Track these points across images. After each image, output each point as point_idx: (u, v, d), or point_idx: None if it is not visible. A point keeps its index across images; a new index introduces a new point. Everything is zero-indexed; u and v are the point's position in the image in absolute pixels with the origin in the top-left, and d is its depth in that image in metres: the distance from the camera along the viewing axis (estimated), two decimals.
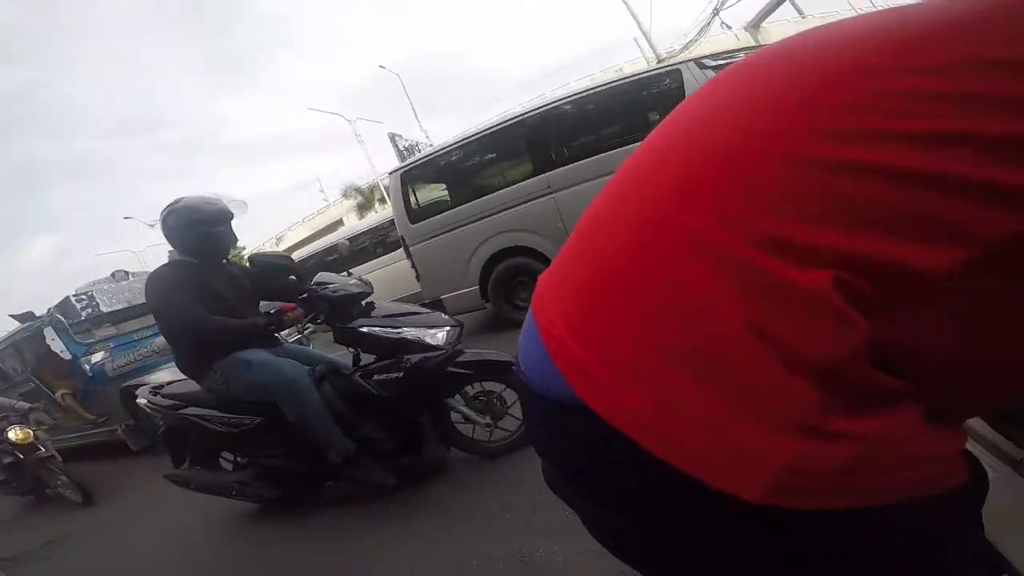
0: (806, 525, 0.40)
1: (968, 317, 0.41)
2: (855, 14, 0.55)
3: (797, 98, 0.45)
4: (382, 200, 28.23)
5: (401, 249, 5.24)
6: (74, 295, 5.58)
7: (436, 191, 5.42)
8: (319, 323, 2.45)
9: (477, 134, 4.92)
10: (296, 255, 7.55)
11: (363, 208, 29.69)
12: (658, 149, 0.54)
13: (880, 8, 0.52)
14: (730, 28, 18.68)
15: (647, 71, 4.70)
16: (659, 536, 0.48)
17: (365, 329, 2.35)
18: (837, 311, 0.39)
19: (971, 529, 0.49)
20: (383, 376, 2.30)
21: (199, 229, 2.38)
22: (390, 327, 2.37)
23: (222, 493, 2.69)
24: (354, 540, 2.24)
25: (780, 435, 0.39)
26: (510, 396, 2.41)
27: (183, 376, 4.81)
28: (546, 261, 4.20)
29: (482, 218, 4.68)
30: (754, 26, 19.18)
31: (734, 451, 0.40)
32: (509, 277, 4.67)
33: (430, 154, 5.24)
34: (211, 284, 2.38)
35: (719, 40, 17.35)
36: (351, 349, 2.46)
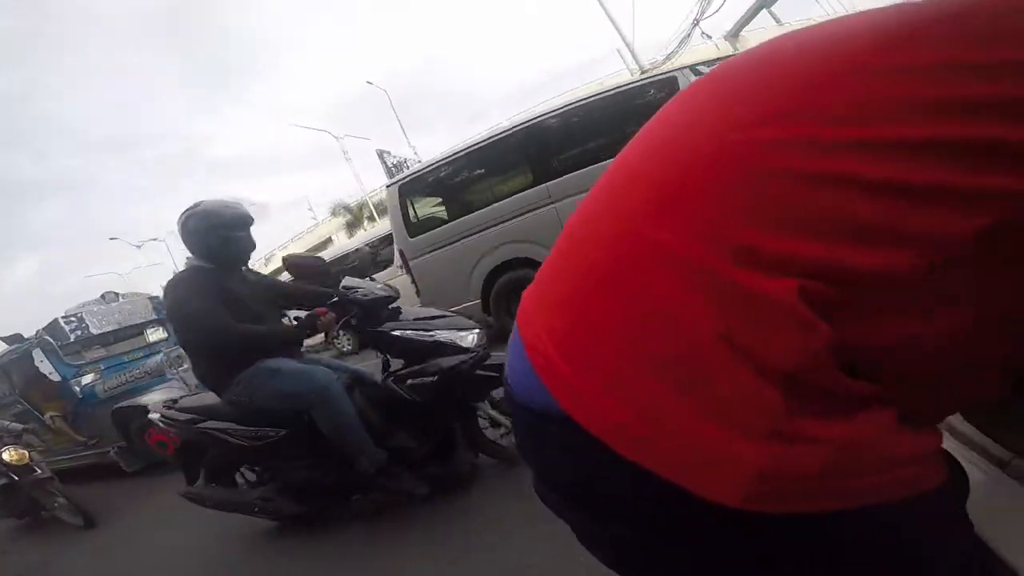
0: (785, 529, 0.41)
1: (933, 319, 0.42)
2: (832, 18, 0.58)
3: (763, 110, 0.46)
4: (371, 218, 28.25)
5: (393, 267, 5.21)
6: (63, 317, 5.54)
7: (435, 204, 5.38)
8: (352, 327, 2.39)
9: (475, 145, 4.88)
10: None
11: (352, 226, 29.65)
12: (632, 163, 0.56)
13: (852, 13, 0.54)
14: (710, 38, 19.01)
15: (643, 79, 4.76)
16: (649, 545, 0.49)
17: (398, 333, 2.31)
18: (801, 318, 0.40)
19: (953, 530, 0.48)
20: (417, 380, 2.25)
21: (219, 233, 2.31)
22: (422, 330, 2.34)
23: (242, 510, 2.59)
24: (378, 556, 2.17)
25: (753, 441, 0.40)
26: None
27: (178, 395, 4.86)
28: None
29: (483, 230, 4.64)
30: (733, 35, 19.54)
31: (712, 458, 0.41)
32: (512, 290, 4.59)
33: (428, 166, 5.19)
34: (232, 290, 2.30)
35: (699, 50, 17.64)
36: (379, 354, 2.42)
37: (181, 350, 5.13)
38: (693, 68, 4.31)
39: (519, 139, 4.66)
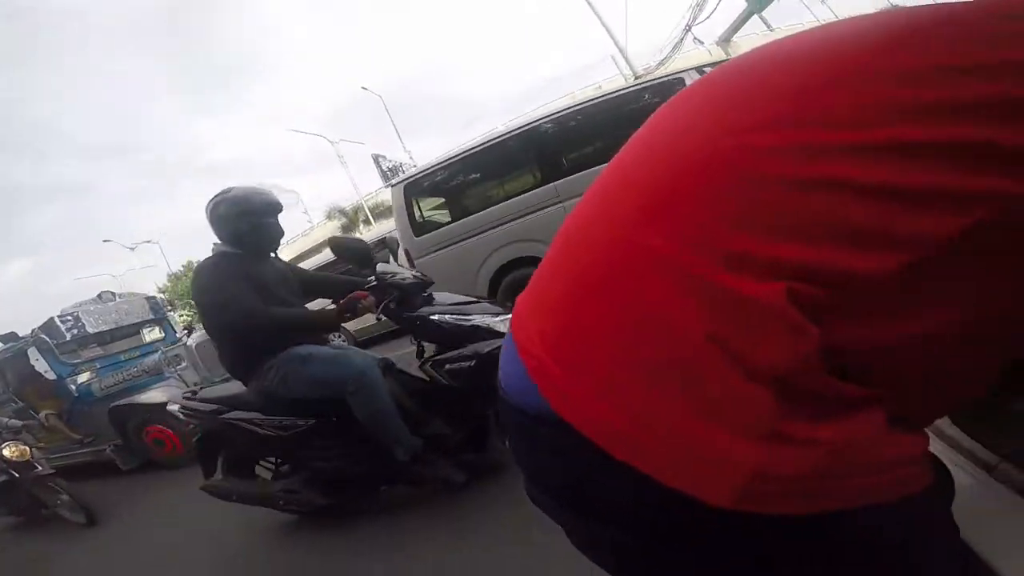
0: (781, 531, 0.42)
1: (921, 320, 0.42)
2: (821, 24, 0.58)
3: (756, 116, 0.47)
4: (366, 221, 28.26)
5: None
6: (59, 316, 5.48)
7: (441, 203, 5.36)
8: (391, 312, 2.33)
9: (483, 144, 4.86)
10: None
11: (347, 230, 29.61)
12: (625, 168, 0.56)
13: (843, 19, 0.57)
14: (702, 43, 19.24)
15: (650, 80, 4.82)
16: (646, 549, 0.49)
17: (436, 317, 2.27)
18: (791, 321, 0.40)
19: (939, 531, 0.49)
20: (455, 365, 2.22)
21: (249, 220, 2.28)
22: (460, 315, 2.31)
23: (266, 503, 2.51)
24: (406, 545, 2.12)
25: (744, 442, 0.40)
26: None
27: (178, 394, 4.85)
28: None
29: (489, 229, 4.61)
30: (725, 40, 19.72)
31: (704, 459, 0.41)
32: (518, 288, 4.43)
33: (435, 165, 5.16)
34: (261, 276, 2.26)
35: (692, 55, 17.82)
36: (413, 340, 2.40)
37: (178, 349, 5.17)
38: (699, 69, 4.35)
39: (528, 138, 4.65)
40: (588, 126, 4.65)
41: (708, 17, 16.90)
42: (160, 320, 6.43)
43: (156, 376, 5.06)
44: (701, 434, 0.41)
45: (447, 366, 2.24)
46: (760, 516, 0.41)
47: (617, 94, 4.64)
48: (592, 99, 4.73)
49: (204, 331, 2.57)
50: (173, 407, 2.59)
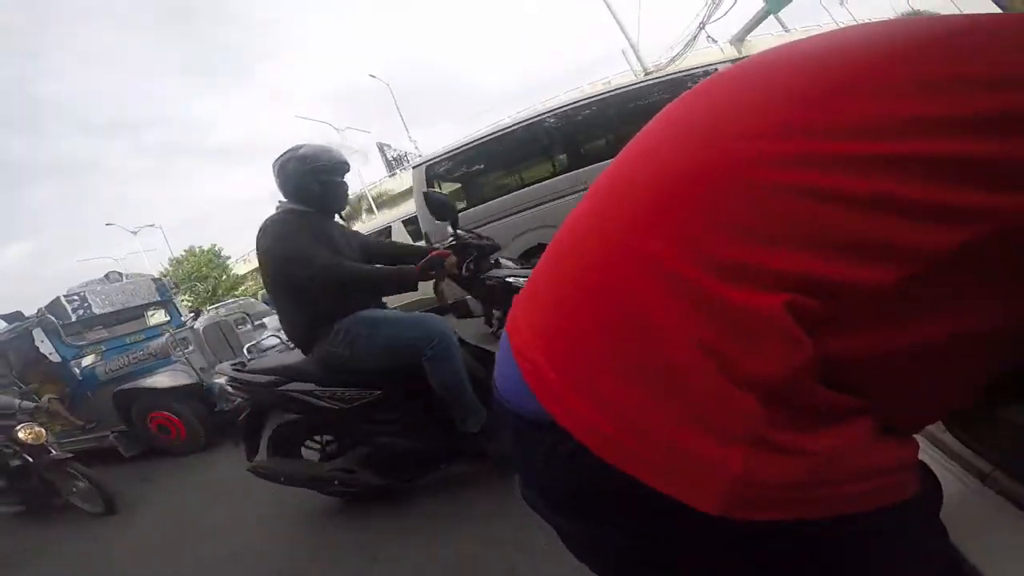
0: (767, 537, 0.42)
1: (913, 330, 0.42)
2: (834, 29, 0.57)
3: (760, 124, 0.46)
4: (369, 210, 28.12)
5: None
6: (65, 295, 5.36)
7: (462, 187, 5.27)
8: (471, 272, 2.18)
9: (508, 128, 4.78)
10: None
11: (350, 218, 29.47)
12: (625, 170, 0.56)
13: (854, 24, 0.57)
14: (715, 42, 19.06)
15: (683, 71, 4.75)
16: (642, 555, 0.49)
17: (512, 280, 2.16)
18: (785, 332, 0.40)
19: (929, 538, 0.50)
20: None
21: (319, 178, 2.21)
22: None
23: (318, 485, 2.38)
24: (461, 525, 2.01)
25: (731, 448, 0.40)
26: None
27: (185, 381, 4.71)
28: None
29: (511, 215, 4.54)
30: (739, 40, 19.56)
31: (694, 466, 0.42)
32: None
33: (457, 148, 5.05)
34: (330, 235, 2.19)
35: (705, 53, 17.67)
36: (484, 305, 2.31)
37: (186, 332, 5.02)
38: (718, 67, 4.31)
39: (551, 125, 4.57)
40: (617, 114, 4.58)
41: (724, 15, 16.75)
42: (166, 302, 6.31)
43: (163, 360, 4.91)
44: (690, 440, 0.42)
45: None
46: (751, 523, 0.41)
47: (648, 83, 4.58)
48: (621, 87, 4.68)
49: (268, 293, 2.34)
50: (221, 380, 2.44)
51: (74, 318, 5.32)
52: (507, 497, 2.03)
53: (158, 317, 6.29)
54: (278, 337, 4.68)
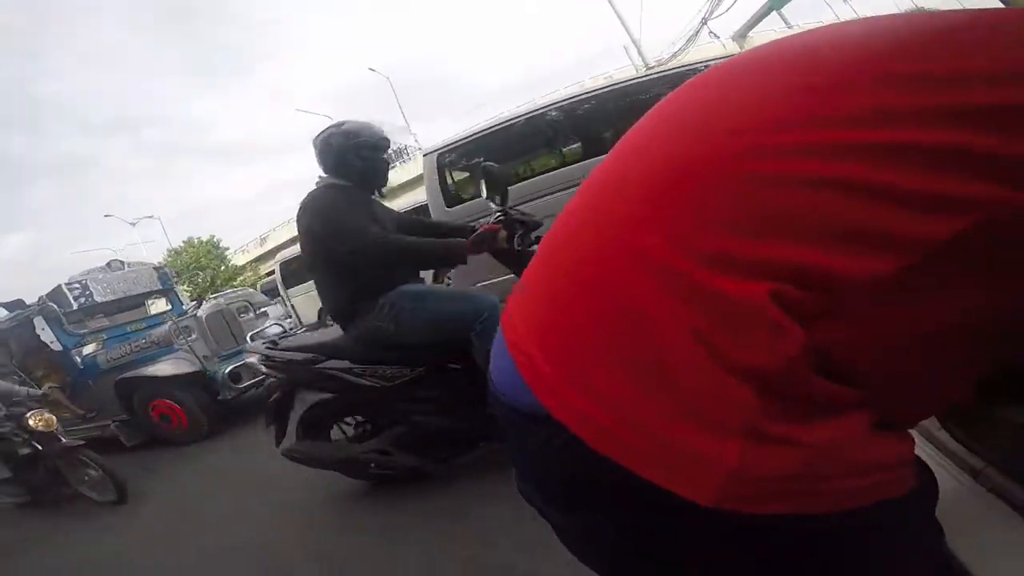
0: (762, 530, 0.42)
1: (907, 321, 0.42)
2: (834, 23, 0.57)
3: (753, 117, 0.47)
4: None
5: None
6: (67, 283, 5.33)
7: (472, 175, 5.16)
8: (520, 246, 2.10)
9: (524, 115, 4.65)
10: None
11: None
12: (618, 164, 0.56)
13: (853, 19, 0.57)
14: (718, 37, 18.99)
15: (702, 61, 4.68)
16: (638, 548, 0.49)
17: None
18: (773, 322, 0.40)
19: (924, 534, 0.50)
20: None
21: (362, 154, 2.19)
22: None
23: (351, 467, 2.32)
24: (485, 506, 1.97)
25: (726, 440, 0.40)
26: None
27: (188, 369, 4.70)
28: None
29: (525, 203, 4.34)
30: (741, 36, 19.53)
31: (688, 458, 0.42)
32: None
33: (470, 135, 4.90)
34: (372, 209, 2.16)
35: (707, 49, 17.61)
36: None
37: (187, 321, 5.01)
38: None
39: (569, 112, 4.48)
40: (635, 104, 4.46)
41: (727, 11, 16.68)
42: (168, 291, 6.29)
43: (166, 348, 4.91)
44: (684, 432, 0.42)
45: None
46: (746, 516, 0.41)
47: (666, 73, 4.49)
48: (639, 77, 4.61)
49: (304, 266, 2.32)
50: (252, 359, 2.39)
51: (76, 306, 5.30)
52: None
53: (160, 305, 6.29)
54: (281, 326, 4.67)
